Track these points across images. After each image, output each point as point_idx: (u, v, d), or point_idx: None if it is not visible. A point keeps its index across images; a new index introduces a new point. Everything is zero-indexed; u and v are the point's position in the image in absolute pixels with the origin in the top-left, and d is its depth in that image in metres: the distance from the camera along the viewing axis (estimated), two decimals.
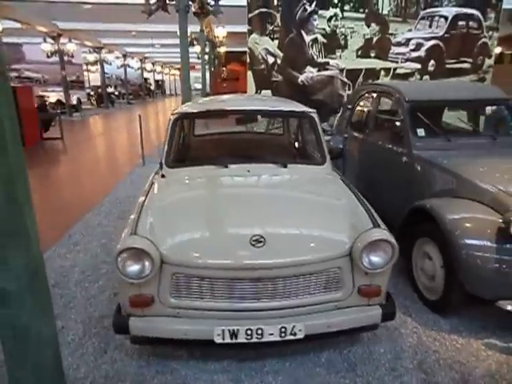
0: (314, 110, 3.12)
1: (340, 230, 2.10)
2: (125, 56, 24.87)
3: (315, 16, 6.94)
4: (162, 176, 2.73)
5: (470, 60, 7.29)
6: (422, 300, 2.90)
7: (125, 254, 1.90)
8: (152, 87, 35.63)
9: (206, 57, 14.61)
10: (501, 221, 2.45)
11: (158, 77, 39.36)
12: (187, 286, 1.99)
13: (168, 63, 36.27)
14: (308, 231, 2.12)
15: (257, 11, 6.92)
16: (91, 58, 22.37)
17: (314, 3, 6.88)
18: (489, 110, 4.23)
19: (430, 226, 2.78)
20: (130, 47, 23.26)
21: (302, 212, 2.25)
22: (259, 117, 5.04)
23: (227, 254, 1.95)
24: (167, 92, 42.59)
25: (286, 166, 2.76)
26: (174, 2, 6.79)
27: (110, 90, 25.05)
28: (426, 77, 7.33)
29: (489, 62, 7.32)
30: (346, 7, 6.97)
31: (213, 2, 7.21)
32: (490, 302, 2.46)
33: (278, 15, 6.92)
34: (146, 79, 32.49)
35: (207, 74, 14.80)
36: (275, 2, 6.87)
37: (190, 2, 6.92)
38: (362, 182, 4.01)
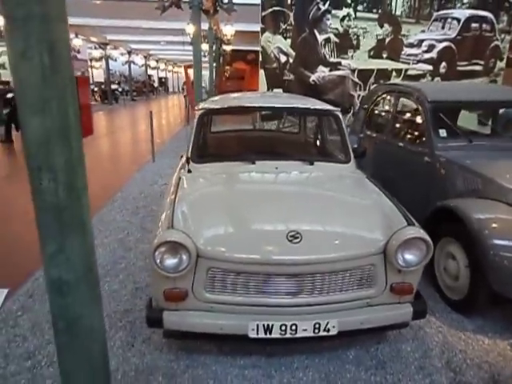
0: (339, 109, 3.12)
1: (374, 227, 2.10)
2: (129, 52, 24.86)
3: (328, 15, 6.95)
4: (189, 171, 2.73)
5: (482, 62, 7.31)
6: (444, 300, 2.91)
7: (163, 247, 1.91)
8: (155, 84, 35.62)
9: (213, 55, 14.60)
10: None
11: (162, 74, 39.37)
12: (222, 281, 1.99)
13: (172, 60, 36.25)
14: (342, 228, 2.12)
15: (270, 10, 6.93)
16: (96, 54, 22.36)
17: (328, 3, 6.89)
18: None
19: (454, 226, 2.79)
20: (135, 44, 23.25)
21: (335, 209, 2.26)
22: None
23: (265, 249, 1.95)
24: (170, 89, 42.59)
25: (312, 164, 2.77)
26: None
27: (113, 86, 25.04)
28: (438, 78, 7.35)
29: (500, 64, 7.33)
30: (359, 7, 6.98)
31: (226, 0, 7.22)
32: None
33: (292, 14, 6.92)
34: (149, 76, 32.49)
35: (213, 73, 14.80)
36: (289, 1, 6.88)
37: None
38: (379, 182, 4.02)
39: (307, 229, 2.03)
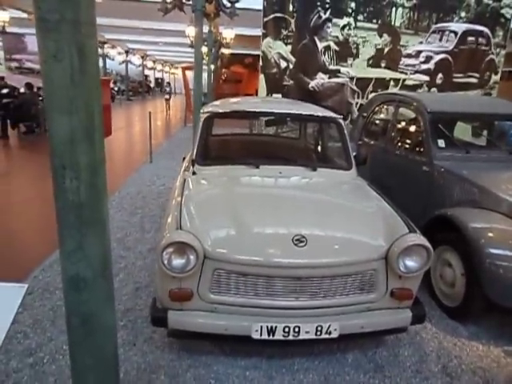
0: (341, 116, 3.19)
1: (377, 233, 2.16)
2: (127, 52, 24.81)
3: (329, 24, 7.05)
4: (194, 173, 2.76)
5: (477, 75, 7.47)
6: (440, 306, 2.97)
7: (170, 248, 1.93)
8: (152, 85, 35.58)
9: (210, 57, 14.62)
10: None
11: (158, 75, 39.32)
12: (227, 282, 2.02)
13: (169, 62, 36.22)
14: (346, 233, 2.17)
15: (272, 16, 7.01)
16: None
17: (329, 11, 6.99)
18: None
19: (451, 235, 2.86)
20: (133, 44, 23.21)
21: (338, 215, 2.31)
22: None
23: (270, 252, 1.99)
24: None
25: (315, 170, 2.82)
26: (190, 2, 6.85)
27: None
28: (434, 89, 7.48)
29: (495, 78, 7.50)
30: (360, 17, 7.10)
31: (229, 4, 7.27)
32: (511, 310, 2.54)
33: (293, 21, 7.01)
34: (146, 76, 32.45)
35: (211, 76, 14.83)
36: (290, 8, 6.97)
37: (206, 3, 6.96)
38: (377, 189, 4.08)
39: (312, 233, 2.08)
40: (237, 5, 9.18)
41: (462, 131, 4.78)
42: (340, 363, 2.33)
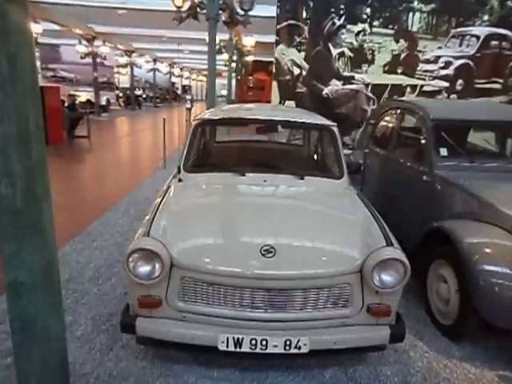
0: (335, 124, 3.10)
1: (352, 245, 2.07)
2: (155, 60, 25.50)
3: (343, 30, 6.95)
4: (179, 180, 2.77)
5: (501, 81, 7.12)
6: (434, 324, 2.82)
7: (136, 254, 1.93)
8: (179, 92, 36.35)
9: (233, 65, 14.81)
10: None
11: (185, 82, 40.15)
12: (195, 291, 2.00)
13: (195, 69, 36.93)
14: (320, 245, 2.10)
15: (285, 23, 6.99)
16: (122, 60, 23.04)
17: (343, 18, 6.90)
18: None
19: (447, 249, 2.71)
20: (160, 52, 23.83)
21: (315, 225, 2.24)
22: (279, 127, 5.05)
23: (237, 262, 1.95)
24: (194, 97, 43.29)
25: (302, 178, 2.76)
26: (204, 11, 6.96)
27: (138, 92, 25.70)
28: (454, 96, 7.20)
29: None
30: (375, 23, 6.95)
31: (242, 12, 7.32)
32: (506, 331, 2.36)
33: (306, 28, 6.96)
34: (173, 84, 33.20)
35: (233, 82, 14.99)
36: (304, 15, 6.93)
37: (221, 12, 7.04)
38: (379, 198, 3.95)
39: (281, 244, 2.02)
40: (259, 13, 9.26)
41: (482, 140, 4.54)
42: (316, 379, 2.24)
